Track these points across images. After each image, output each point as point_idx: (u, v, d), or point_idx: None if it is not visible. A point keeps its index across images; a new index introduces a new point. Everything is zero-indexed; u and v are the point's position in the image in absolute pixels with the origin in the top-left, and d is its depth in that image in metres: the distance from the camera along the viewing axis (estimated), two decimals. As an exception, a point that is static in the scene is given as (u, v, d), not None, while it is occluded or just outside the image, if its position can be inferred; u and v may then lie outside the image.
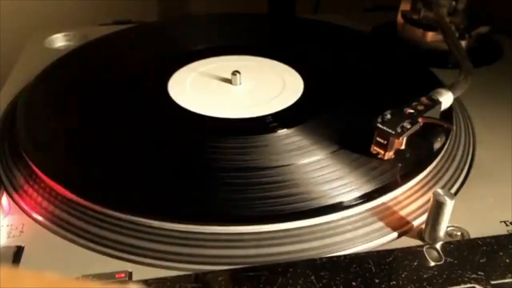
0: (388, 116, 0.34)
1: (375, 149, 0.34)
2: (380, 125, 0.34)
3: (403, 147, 0.34)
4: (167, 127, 0.38)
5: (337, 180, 0.33)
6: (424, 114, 0.35)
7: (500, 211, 0.33)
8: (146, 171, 0.34)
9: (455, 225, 0.31)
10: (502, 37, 0.56)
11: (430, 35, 0.52)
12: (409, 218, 0.32)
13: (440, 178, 0.35)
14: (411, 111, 0.35)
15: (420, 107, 0.35)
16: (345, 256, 0.28)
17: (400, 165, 0.34)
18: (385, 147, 0.34)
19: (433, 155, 0.36)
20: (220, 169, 0.34)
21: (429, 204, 0.30)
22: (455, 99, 0.39)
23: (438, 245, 0.29)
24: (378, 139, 0.34)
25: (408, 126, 0.34)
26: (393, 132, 0.33)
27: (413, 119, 0.34)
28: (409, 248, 0.29)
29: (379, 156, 0.34)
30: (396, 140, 0.33)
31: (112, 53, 0.51)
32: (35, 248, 0.30)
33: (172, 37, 0.54)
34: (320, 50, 0.51)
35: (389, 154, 0.34)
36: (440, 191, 0.29)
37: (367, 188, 0.32)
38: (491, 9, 0.54)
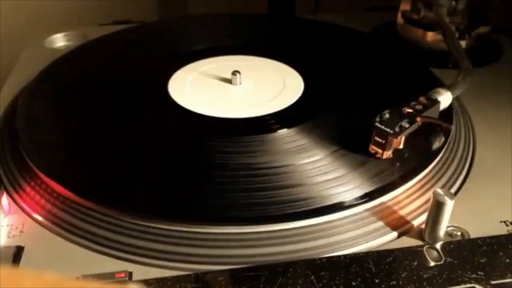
0: (387, 115, 0.34)
1: (373, 148, 0.34)
2: (378, 125, 0.34)
3: (401, 146, 0.34)
4: (167, 127, 0.38)
5: (337, 180, 0.33)
6: (423, 114, 0.35)
7: (500, 211, 0.33)
8: (146, 171, 0.34)
9: (455, 225, 0.31)
10: (502, 37, 0.56)
11: (430, 35, 0.52)
12: (409, 218, 0.32)
13: (440, 178, 0.35)
14: (410, 110, 0.35)
15: (419, 107, 0.35)
16: (345, 256, 0.28)
17: (398, 164, 0.34)
18: (383, 147, 0.34)
19: (433, 154, 0.36)
20: (220, 169, 0.34)
21: (429, 204, 0.30)
22: (455, 99, 0.39)
23: (438, 245, 0.29)
24: (377, 138, 0.34)
25: (407, 126, 0.34)
26: (391, 132, 0.33)
27: (411, 119, 0.34)
28: (409, 248, 0.29)
29: (377, 156, 0.34)
30: (395, 140, 0.33)
31: (112, 53, 0.51)
32: (35, 248, 0.30)
33: (172, 37, 0.54)
34: (320, 50, 0.51)
35: (388, 154, 0.34)
36: (440, 191, 0.29)
37: (367, 188, 0.32)
38: (491, 9, 0.54)
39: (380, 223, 0.31)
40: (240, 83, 0.44)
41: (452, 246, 0.29)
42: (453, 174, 0.36)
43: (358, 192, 0.32)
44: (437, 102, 0.37)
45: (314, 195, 0.32)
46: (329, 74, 0.46)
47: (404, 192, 0.33)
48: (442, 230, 0.30)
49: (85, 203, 0.32)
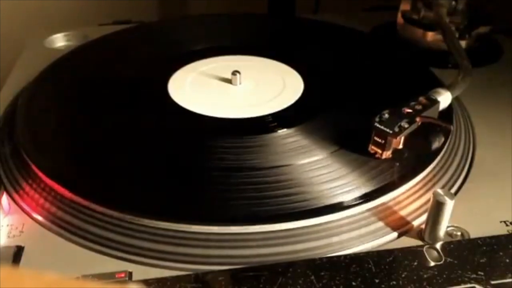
0: (386, 115, 0.34)
1: (372, 148, 0.34)
2: (377, 125, 0.34)
3: (401, 146, 0.34)
4: (167, 127, 0.38)
5: (337, 180, 0.33)
6: (422, 114, 0.35)
7: (500, 211, 0.33)
8: (146, 171, 0.34)
9: (455, 225, 0.31)
10: (502, 37, 0.56)
11: (430, 35, 0.52)
12: (409, 218, 0.32)
13: (440, 178, 0.35)
14: (409, 110, 0.35)
15: (418, 107, 0.35)
16: (345, 256, 0.28)
17: (398, 164, 0.34)
18: (383, 147, 0.34)
19: (433, 155, 0.36)
20: (219, 169, 0.34)
21: (429, 204, 0.30)
22: (455, 99, 0.39)
23: (438, 245, 0.29)
24: (376, 138, 0.34)
25: (406, 126, 0.34)
26: (391, 132, 0.33)
27: (411, 119, 0.34)
28: (409, 248, 0.29)
29: (377, 156, 0.34)
30: (394, 140, 0.33)
31: (112, 53, 0.51)
32: (35, 248, 0.30)
33: (172, 37, 0.54)
34: (320, 50, 0.51)
35: (387, 154, 0.34)
36: (440, 191, 0.29)
37: (367, 188, 0.32)
38: (491, 9, 0.54)
39: (380, 223, 0.31)
40: (240, 83, 0.44)
41: (452, 246, 0.29)
42: (453, 174, 0.36)
43: (358, 192, 0.32)
44: (436, 102, 0.37)
45: (314, 195, 0.32)
46: (329, 74, 0.46)
47: (404, 192, 0.33)
48: (442, 230, 0.30)
49: (85, 203, 0.32)
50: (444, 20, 0.50)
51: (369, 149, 0.34)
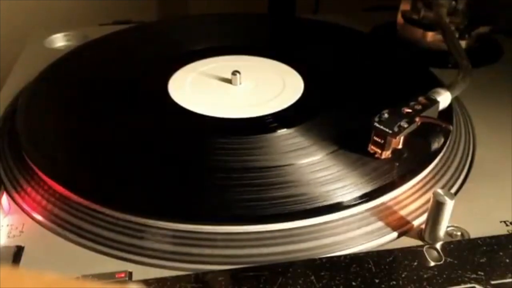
0: (386, 115, 0.34)
1: (372, 148, 0.34)
2: (377, 124, 0.34)
3: (400, 146, 0.34)
4: (167, 127, 0.38)
5: (336, 180, 0.33)
6: (422, 114, 0.35)
7: (500, 211, 0.33)
8: (146, 171, 0.34)
9: (455, 225, 0.31)
10: (502, 37, 0.56)
11: (430, 35, 0.52)
12: (409, 218, 0.32)
13: (440, 178, 0.35)
14: (409, 110, 0.35)
15: (418, 107, 0.35)
16: (345, 256, 0.28)
17: (398, 164, 0.34)
18: (382, 147, 0.34)
19: (433, 155, 0.36)
20: (220, 169, 0.34)
21: (429, 204, 0.30)
22: (455, 99, 0.39)
23: (438, 245, 0.29)
24: (376, 138, 0.34)
25: (405, 126, 0.34)
26: (390, 131, 0.33)
27: (410, 119, 0.34)
28: (409, 248, 0.29)
29: (376, 156, 0.34)
30: (393, 140, 0.33)
31: (112, 53, 0.51)
32: (35, 248, 0.30)
33: (172, 37, 0.54)
34: (320, 50, 0.51)
35: (386, 154, 0.34)
36: (440, 191, 0.29)
37: (367, 188, 0.32)
38: (491, 9, 0.54)
39: (380, 223, 0.31)
40: (240, 83, 0.44)
41: (452, 246, 0.29)
42: (453, 174, 0.36)
43: (357, 192, 0.32)
44: (436, 102, 0.37)
45: (314, 195, 0.32)
46: (329, 74, 0.46)
47: (404, 192, 0.33)
48: (442, 230, 0.30)
49: (85, 203, 0.32)
50: (444, 20, 0.50)
51: (369, 149, 0.34)
